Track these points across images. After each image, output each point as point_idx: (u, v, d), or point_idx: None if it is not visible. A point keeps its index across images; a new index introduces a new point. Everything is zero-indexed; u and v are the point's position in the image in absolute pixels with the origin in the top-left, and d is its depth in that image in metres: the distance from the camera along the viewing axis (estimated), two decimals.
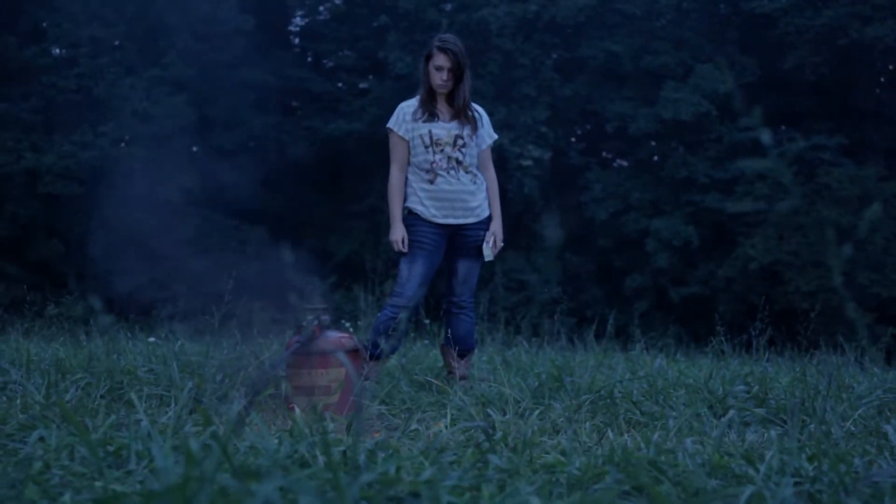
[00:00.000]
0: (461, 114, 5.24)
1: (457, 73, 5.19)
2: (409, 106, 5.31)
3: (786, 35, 24.32)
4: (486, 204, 5.36)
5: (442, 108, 5.28)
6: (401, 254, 5.30)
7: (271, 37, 26.96)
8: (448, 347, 5.34)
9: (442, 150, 5.19)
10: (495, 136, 5.46)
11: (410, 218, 5.28)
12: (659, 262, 23.36)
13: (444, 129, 5.21)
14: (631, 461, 2.64)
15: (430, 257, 5.21)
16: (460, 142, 5.22)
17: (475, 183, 5.29)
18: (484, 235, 5.33)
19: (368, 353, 4.98)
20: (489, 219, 5.37)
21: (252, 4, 25.31)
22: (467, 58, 5.23)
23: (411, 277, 5.16)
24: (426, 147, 5.19)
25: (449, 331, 5.37)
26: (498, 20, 24.21)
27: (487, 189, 5.38)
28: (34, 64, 22.53)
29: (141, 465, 2.53)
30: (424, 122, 5.21)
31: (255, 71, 25.83)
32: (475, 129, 5.28)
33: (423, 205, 5.21)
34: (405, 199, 5.30)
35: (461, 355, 5.34)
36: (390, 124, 5.30)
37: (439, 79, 5.19)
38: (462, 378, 5.21)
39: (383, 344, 4.93)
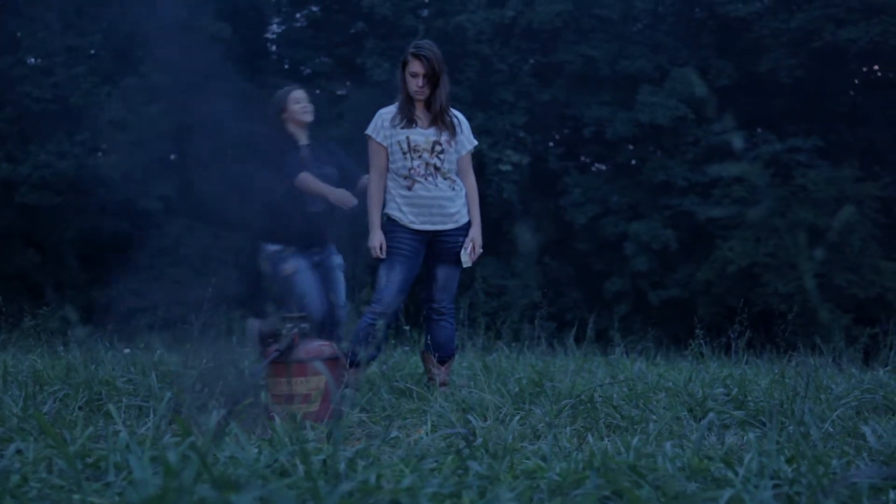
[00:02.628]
0: (439, 119, 5.23)
1: (432, 80, 5.18)
2: (388, 112, 5.30)
3: (761, 38, 24.46)
4: (464, 210, 5.35)
5: (420, 114, 5.26)
6: (380, 260, 5.29)
7: (248, 44, 26.91)
8: (428, 354, 5.33)
9: (420, 157, 5.18)
10: (475, 143, 5.44)
11: (389, 224, 5.26)
12: (638, 265, 23.42)
13: (422, 135, 5.20)
14: (611, 466, 2.65)
15: (409, 263, 5.20)
16: (438, 148, 5.21)
17: (453, 189, 5.28)
18: (463, 242, 5.31)
19: (348, 360, 4.97)
20: (468, 225, 5.36)
21: (229, 12, 25.26)
22: (443, 63, 5.22)
23: (389, 284, 5.15)
24: (404, 153, 5.18)
25: (429, 337, 5.35)
26: (475, 26, 24.25)
27: (467, 195, 5.38)
28: (9, 74, 22.38)
29: (119, 477, 2.52)
30: (402, 128, 5.20)
31: (233, 78, 25.74)
32: (454, 134, 5.27)
33: (401, 211, 5.21)
34: (384, 206, 5.30)
35: (441, 362, 5.32)
36: (369, 131, 5.30)
37: (415, 85, 5.18)
38: (442, 384, 5.20)
39: (362, 351, 4.93)
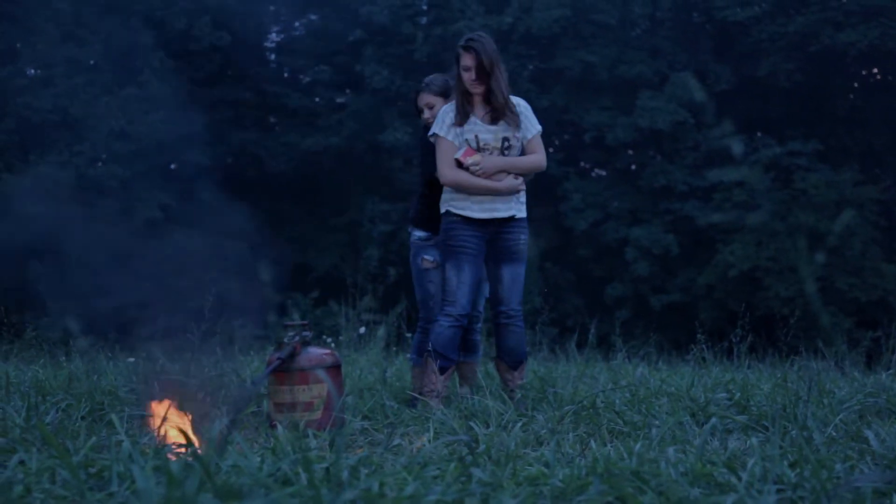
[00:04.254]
0: (503, 113, 5.07)
1: (484, 72, 5.04)
2: (451, 110, 5.14)
3: (759, 42, 24.50)
4: (524, 206, 5.23)
5: (479, 110, 5.12)
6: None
7: (247, 53, 26.92)
8: (501, 361, 5.19)
9: (491, 154, 5.07)
10: (539, 127, 5.23)
11: (448, 221, 5.12)
12: (639, 270, 23.43)
13: (491, 132, 5.07)
14: (614, 472, 2.64)
15: (476, 262, 5.07)
16: (506, 143, 5.11)
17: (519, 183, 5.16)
18: (525, 238, 5.21)
19: (438, 366, 4.91)
20: (526, 221, 5.22)
21: (227, 21, 25.28)
22: (496, 54, 5.08)
23: (462, 284, 5.01)
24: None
25: (498, 343, 5.19)
26: (473, 33, 24.26)
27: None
28: (9, 85, 22.41)
29: (123, 487, 2.51)
30: (467, 125, 5.06)
31: (232, 87, 25.78)
32: (518, 127, 5.10)
33: (463, 202, 5.08)
34: (444, 201, 5.18)
35: (514, 367, 5.16)
36: (437, 130, 5.12)
37: (469, 78, 5.09)
38: (519, 387, 5.08)
39: (451, 355, 4.93)
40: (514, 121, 5.11)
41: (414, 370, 5.45)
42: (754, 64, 24.89)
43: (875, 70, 25.79)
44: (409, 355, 5.76)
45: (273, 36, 28.93)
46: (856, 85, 26.44)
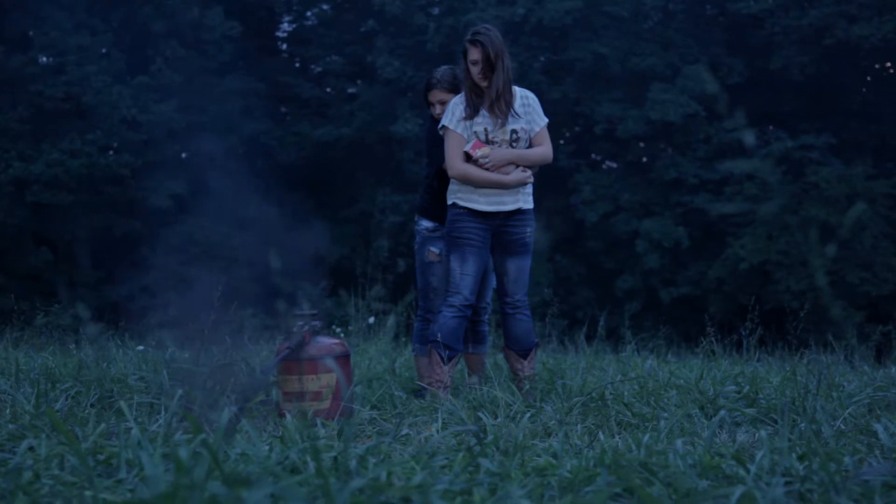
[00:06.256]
0: (494, 107, 5.05)
1: (489, 65, 5.04)
2: (460, 102, 5.15)
3: (772, 35, 24.41)
4: (531, 198, 5.25)
5: (488, 103, 5.10)
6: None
7: (259, 42, 26.94)
8: (510, 350, 5.22)
9: (499, 147, 5.08)
10: (546, 120, 5.29)
11: (454, 212, 5.13)
12: (649, 263, 23.40)
13: (500, 125, 5.09)
14: (622, 463, 2.64)
15: (480, 254, 5.08)
16: (514, 136, 5.12)
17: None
18: (530, 231, 5.22)
19: (445, 356, 4.92)
20: (532, 213, 5.22)
21: (239, 10, 25.29)
22: (502, 46, 5.07)
23: (465, 275, 5.03)
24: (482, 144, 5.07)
25: (506, 333, 5.22)
26: (480, 25, 24.22)
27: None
28: (21, 73, 22.47)
29: (131, 474, 2.52)
30: (477, 118, 5.07)
31: (243, 77, 25.80)
32: (505, 118, 5.07)
33: (470, 194, 5.08)
34: (451, 193, 5.19)
35: (523, 356, 5.19)
36: (446, 122, 5.13)
37: (476, 73, 5.09)
38: (528, 378, 5.09)
39: (455, 346, 4.95)
40: (503, 115, 5.09)
41: (417, 359, 5.47)
42: (767, 57, 24.80)
43: (888, 64, 25.67)
44: (412, 345, 5.78)
45: (285, 26, 28.95)
46: (869, 79, 26.32)
